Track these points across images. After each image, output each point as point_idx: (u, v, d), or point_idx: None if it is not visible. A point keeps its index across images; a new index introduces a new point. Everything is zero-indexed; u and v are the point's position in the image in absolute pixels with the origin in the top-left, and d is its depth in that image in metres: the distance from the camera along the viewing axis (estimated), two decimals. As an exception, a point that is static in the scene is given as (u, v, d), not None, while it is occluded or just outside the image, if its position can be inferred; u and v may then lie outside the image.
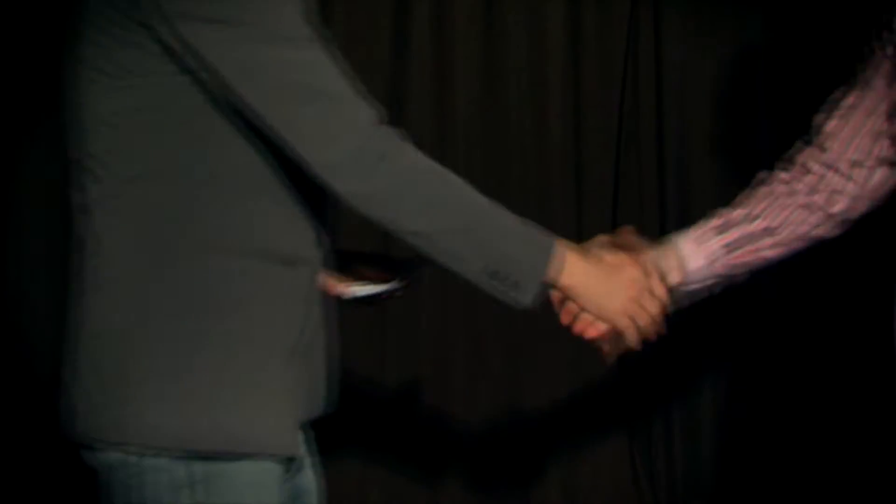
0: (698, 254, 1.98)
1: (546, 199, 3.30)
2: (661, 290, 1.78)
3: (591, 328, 1.77)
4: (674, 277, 1.95)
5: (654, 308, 1.77)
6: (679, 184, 3.25)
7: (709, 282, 2.02)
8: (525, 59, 3.31)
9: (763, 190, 2.03)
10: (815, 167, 1.96)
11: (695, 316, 2.09)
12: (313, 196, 1.69)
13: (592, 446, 3.32)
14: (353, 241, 2.02)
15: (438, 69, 3.30)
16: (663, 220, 3.25)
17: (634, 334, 1.75)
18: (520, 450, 3.31)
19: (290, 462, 1.70)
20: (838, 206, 1.95)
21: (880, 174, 1.87)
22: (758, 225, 2.00)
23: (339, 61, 1.66)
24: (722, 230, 2.01)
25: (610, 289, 1.76)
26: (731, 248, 2.01)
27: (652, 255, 1.91)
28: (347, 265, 1.93)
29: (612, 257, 1.80)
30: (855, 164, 1.93)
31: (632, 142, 3.29)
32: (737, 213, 2.02)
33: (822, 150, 1.95)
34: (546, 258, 1.70)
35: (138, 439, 1.59)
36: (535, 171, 3.32)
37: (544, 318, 3.08)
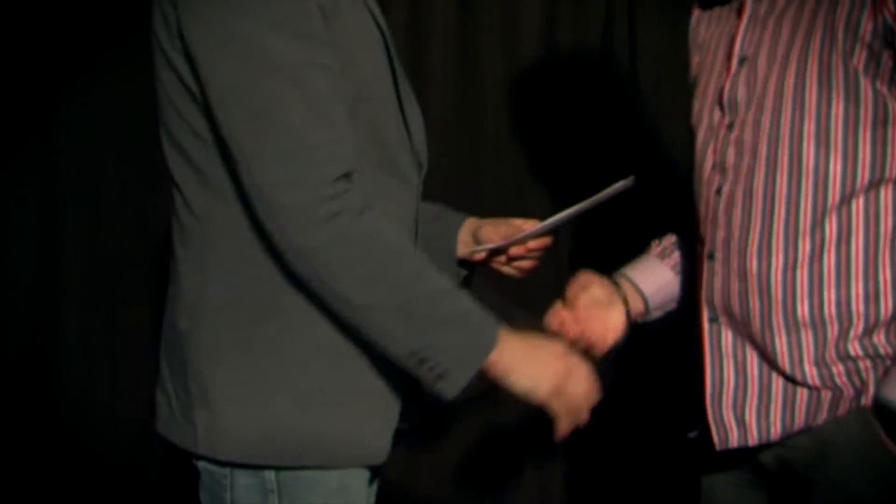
0: (652, 282, 2.04)
1: (521, 194, 3.30)
2: (586, 371, 1.72)
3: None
4: (635, 308, 2.02)
5: (582, 387, 1.71)
6: (654, 178, 3.23)
7: (669, 307, 2.07)
8: (500, 54, 3.31)
9: None
10: None
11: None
12: (396, 202, 1.68)
13: (569, 450, 3.26)
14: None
15: (413, 65, 3.24)
16: (639, 216, 3.23)
17: (568, 416, 1.71)
18: (496, 452, 3.32)
19: (376, 469, 1.69)
20: None
21: None
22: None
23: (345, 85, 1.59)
24: (664, 255, 2.08)
25: (539, 367, 1.67)
26: (678, 269, 2.06)
27: (611, 289, 1.99)
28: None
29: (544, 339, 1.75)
30: None
31: (607, 137, 3.29)
32: (671, 238, 2.09)
33: None
34: (482, 354, 1.62)
35: (221, 454, 1.60)
36: (510, 167, 3.32)
37: (523, 319, 3.09)
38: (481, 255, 1.93)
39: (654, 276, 2.04)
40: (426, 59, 3.31)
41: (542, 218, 1.95)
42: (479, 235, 1.96)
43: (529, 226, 1.93)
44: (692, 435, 1.89)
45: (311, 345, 1.60)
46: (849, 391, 1.75)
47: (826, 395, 1.75)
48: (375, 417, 1.65)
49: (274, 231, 1.54)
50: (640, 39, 3.29)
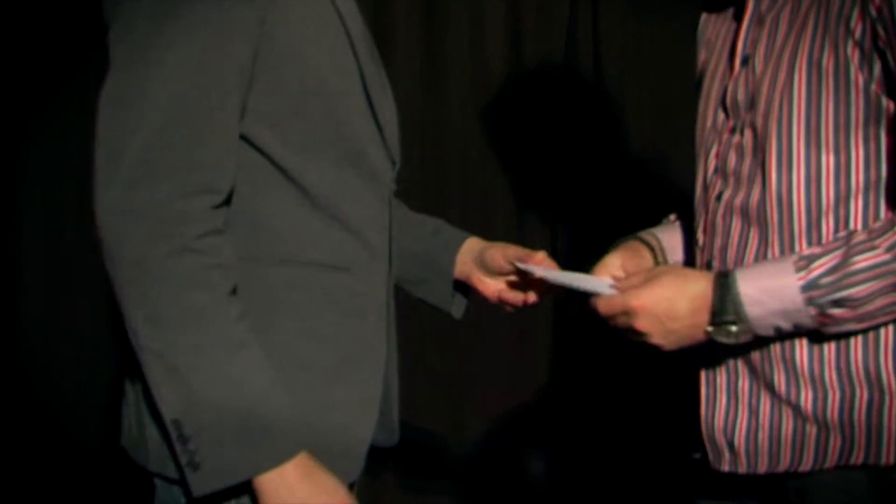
0: (678, 251, 1.96)
1: (487, 196, 3.30)
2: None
3: None
4: None
5: None
6: (617, 180, 3.26)
7: None
8: (466, 56, 3.32)
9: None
10: None
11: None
12: (363, 202, 1.59)
13: (535, 454, 3.34)
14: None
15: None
16: (600, 216, 3.26)
17: None
18: (462, 457, 3.31)
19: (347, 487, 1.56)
20: None
21: None
22: None
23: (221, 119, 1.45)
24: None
25: None
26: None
27: (647, 259, 1.90)
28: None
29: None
30: None
31: (571, 139, 3.30)
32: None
33: None
34: (250, 469, 1.41)
35: (172, 472, 1.48)
36: (476, 168, 3.32)
37: (489, 323, 3.08)
38: (508, 275, 1.86)
39: (680, 247, 1.95)
40: (391, 60, 3.25)
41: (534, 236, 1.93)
42: (484, 258, 1.87)
43: (539, 258, 1.83)
44: (696, 456, 1.78)
45: (267, 352, 1.47)
46: (858, 436, 1.61)
47: (812, 430, 1.63)
48: (346, 432, 1.55)
49: (97, 214, 1.43)
50: (604, 43, 3.31)
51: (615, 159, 3.28)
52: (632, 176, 3.25)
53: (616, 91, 3.30)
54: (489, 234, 3.22)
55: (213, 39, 1.43)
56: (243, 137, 1.49)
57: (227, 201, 1.49)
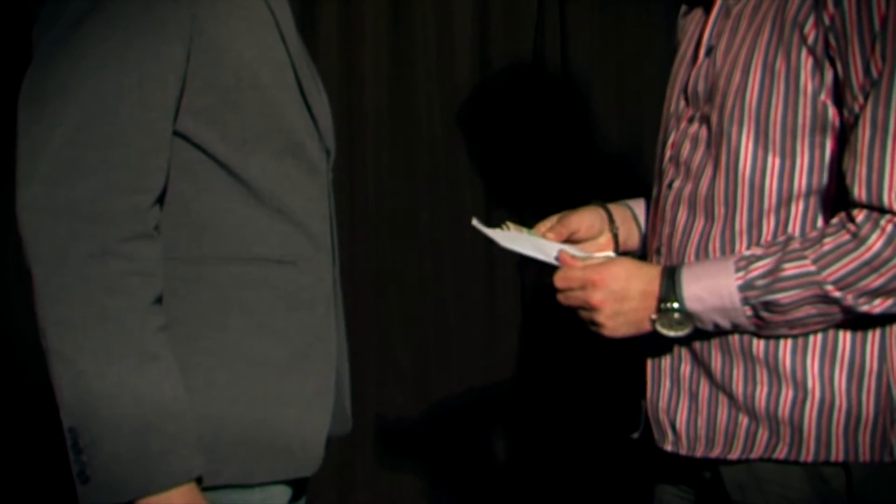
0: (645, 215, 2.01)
1: (456, 196, 3.32)
2: None
3: None
4: (629, 240, 1.99)
5: None
6: (587, 178, 3.27)
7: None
8: (433, 58, 3.33)
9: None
10: None
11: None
12: (304, 194, 1.58)
13: (505, 451, 3.35)
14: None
15: (346, 67, 3.29)
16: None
17: None
18: (432, 456, 3.32)
19: (301, 483, 1.57)
20: None
21: None
22: None
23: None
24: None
25: None
26: None
27: (601, 222, 1.96)
28: None
29: None
30: None
31: (540, 137, 3.32)
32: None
33: None
34: (140, 487, 1.36)
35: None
36: (444, 168, 3.33)
37: (457, 323, 3.08)
38: None
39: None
40: (359, 61, 3.30)
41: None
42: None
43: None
44: (634, 436, 1.85)
45: (220, 352, 1.47)
46: (783, 430, 1.67)
47: (744, 420, 1.69)
48: (304, 425, 1.54)
49: (18, 212, 1.41)
50: (572, 40, 3.32)
51: (584, 156, 3.29)
52: (601, 173, 3.26)
53: (584, 87, 3.31)
54: (458, 233, 3.27)
55: (137, 36, 1.41)
56: (182, 136, 1.48)
57: (160, 202, 1.47)
